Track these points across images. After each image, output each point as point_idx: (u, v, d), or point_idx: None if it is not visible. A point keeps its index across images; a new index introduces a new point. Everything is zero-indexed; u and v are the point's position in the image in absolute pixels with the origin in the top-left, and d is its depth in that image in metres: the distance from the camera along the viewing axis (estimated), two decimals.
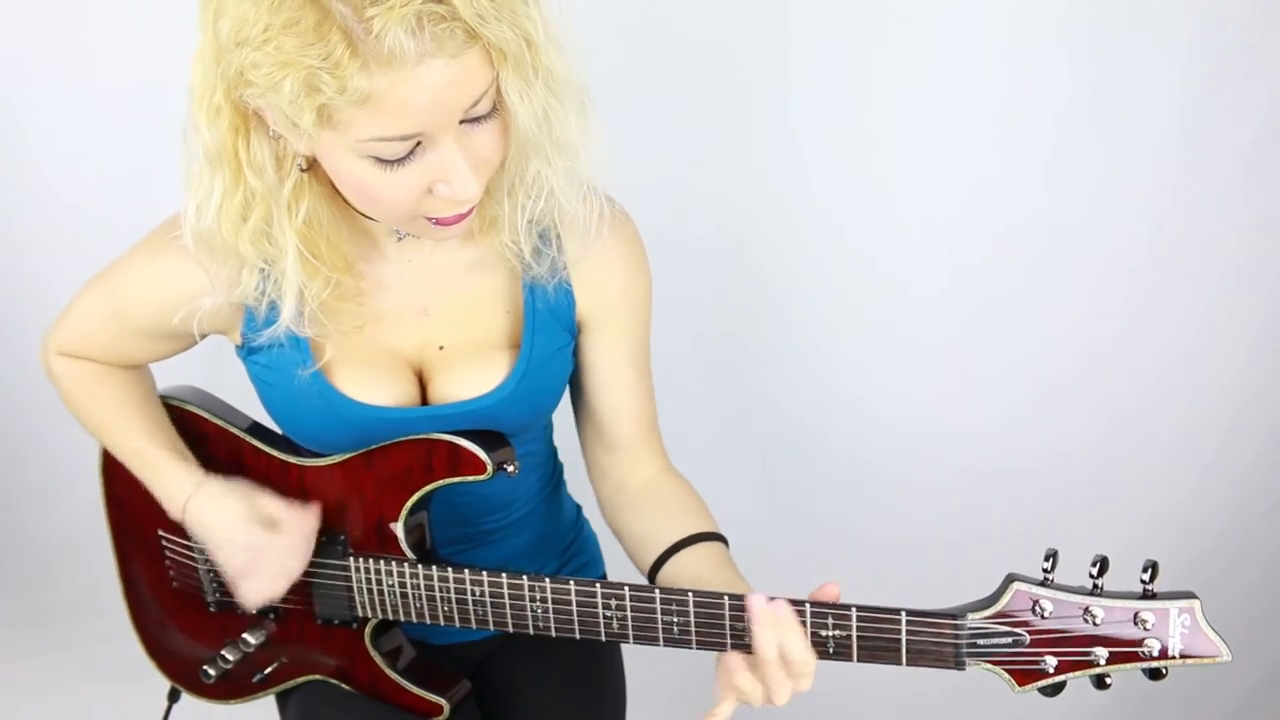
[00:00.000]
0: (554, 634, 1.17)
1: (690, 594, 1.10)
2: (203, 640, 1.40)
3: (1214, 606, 0.98)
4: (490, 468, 1.17)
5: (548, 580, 1.15)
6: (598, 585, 1.13)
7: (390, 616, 1.26)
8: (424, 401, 1.24)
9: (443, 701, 1.31)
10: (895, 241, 2.36)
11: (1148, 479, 2.36)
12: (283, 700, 1.43)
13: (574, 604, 1.15)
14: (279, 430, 1.31)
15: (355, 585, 1.26)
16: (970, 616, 1.01)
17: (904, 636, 1.03)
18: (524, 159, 1.07)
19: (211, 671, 1.36)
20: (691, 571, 1.22)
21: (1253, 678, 2.25)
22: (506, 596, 1.18)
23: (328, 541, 1.26)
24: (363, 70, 0.90)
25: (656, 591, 1.11)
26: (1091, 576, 0.98)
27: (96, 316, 1.29)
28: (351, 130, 0.94)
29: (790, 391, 2.52)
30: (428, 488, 1.20)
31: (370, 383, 1.21)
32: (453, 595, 1.20)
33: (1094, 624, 0.98)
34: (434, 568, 1.21)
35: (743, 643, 1.08)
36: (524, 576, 1.16)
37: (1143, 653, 0.98)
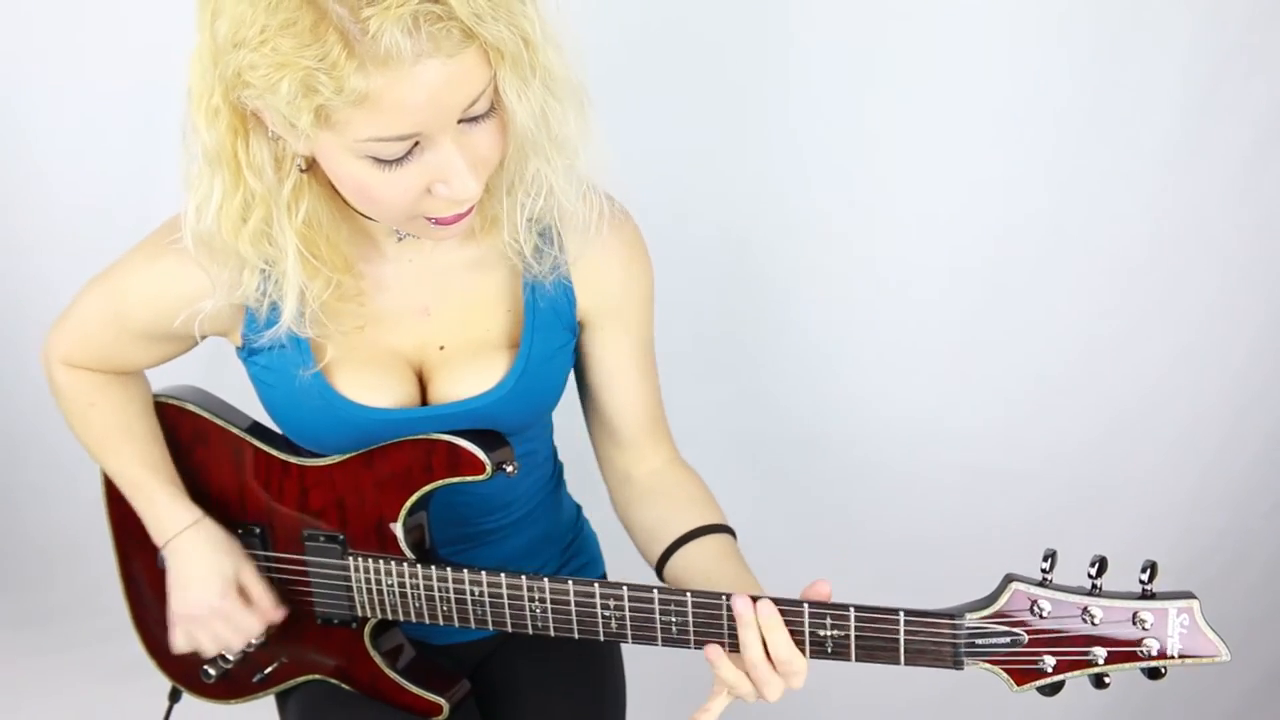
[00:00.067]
0: (553, 634, 1.18)
1: (689, 594, 1.10)
2: None
3: (1214, 606, 0.98)
4: (489, 467, 1.17)
5: (546, 580, 1.16)
6: (596, 585, 1.13)
7: (389, 616, 1.26)
8: (424, 401, 1.24)
9: (442, 701, 1.31)
10: (895, 241, 2.36)
11: (1147, 479, 2.36)
12: (283, 700, 1.44)
13: (572, 604, 1.15)
14: (279, 430, 1.32)
15: (355, 585, 1.26)
16: (968, 616, 1.01)
17: (902, 636, 1.03)
18: (523, 158, 1.07)
19: (212, 671, 1.36)
20: (699, 564, 1.23)
21: (1253, 678, 2.25)
22: (505, 596, 1.18)
23: (327, 541, 1.26)
24: (359, 70, 0.90)
25: (655, 591, 1.11)
26: (1090, 576, 0.98)
27: (97, 318, 1.28)
28: (349, 130, 0.95)
29: (790, 391, 2.52)
30: (427, 488, 1.20)
31: (370, 383, 1.21)
32: (452, 595, 1.21)
33: (1092, 624, 0.98)
34: (433, 568, 1.21)
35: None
36: (523, 576, 1.16)
37: (1141, 652, 0.98)
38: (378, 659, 1.31)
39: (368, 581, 1.25)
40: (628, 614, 1.13)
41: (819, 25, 2.23)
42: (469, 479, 1.19)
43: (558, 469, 1.50)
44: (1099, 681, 1.00)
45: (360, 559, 1.25)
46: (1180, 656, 0.97)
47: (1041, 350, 2.36)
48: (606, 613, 1.14)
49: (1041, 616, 0.99)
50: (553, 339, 1.23)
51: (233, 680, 1.39)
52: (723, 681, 1.09)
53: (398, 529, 1.22)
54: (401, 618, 1.26)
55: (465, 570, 1.19)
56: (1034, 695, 1.03)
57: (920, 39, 2.21)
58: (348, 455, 1.24)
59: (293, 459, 1.28)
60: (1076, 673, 1.00)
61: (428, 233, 1.08)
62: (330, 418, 1.21)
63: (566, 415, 1.41)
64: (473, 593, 1.19)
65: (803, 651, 1.07)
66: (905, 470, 2.47)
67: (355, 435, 1.22)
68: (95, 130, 2.51)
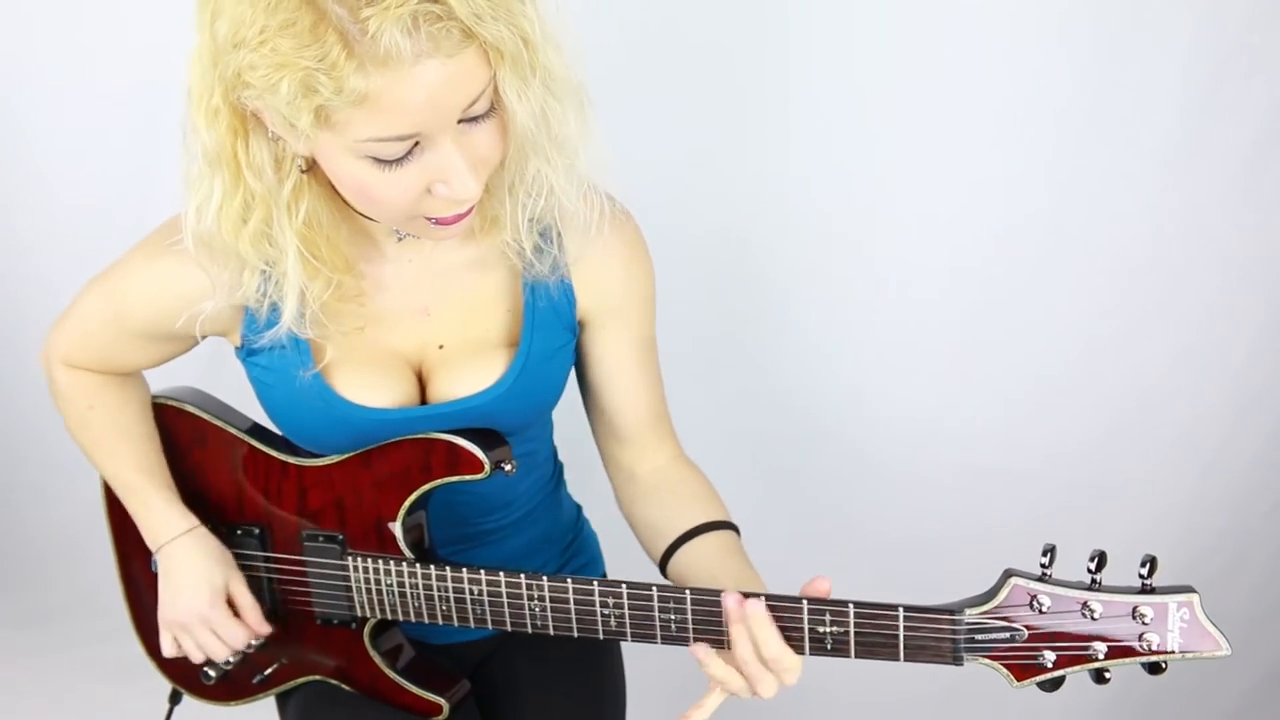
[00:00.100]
0: (552, 632, 1.18)
1: (687, 592, 1.10)
2: None
3: (1214, 606, 0.97)
4: (488, 466, 1.17)
5: (545, 579, 1.16)
6: (595, 584, 1.13)
7: (389, 616, 1.26)
8: (423, 401, 1.24)
9: (442, 701, 1.31)
10: (895, 241, 2.36)
11: (1147, 479, 2.36)
12: (283, 701, 1.44)
13: (571, 602, 1.15)
14: (278, 431, 1.32)
15: (354, 585, 1.26)
16: (968, 612, 1.01)
17: (901, 632, 1.03)
18: (523, 157, 1.07)
19: (212, 673, 1.36)
20: (702, 560, 1.23)
21: (1253, 678, 2.25)
22: (504, 595, 1.18)
23: (326, 541, 1.26)
24: (359, 71, 0.90)
25: (654, 589, 1.11)
26: (1090, 571, 0.98)
27: (97, 318, 1.29)
28: (349, 131, 0.95)
29: (790, 391, 2.52)
30: (425, 487, 1.20)
31: (369, 384, 1.21)
32: (451, 594, 1.21)
33: (1092, 618, 0.98)
34: (432, 567, 1.21)
35: None
36: (521, 575, 1.17)
37: (1141, 647, 0.98)
38: (377, 659, 1.31)
39: (367, 581, 1.25)
40: (626, 612, 1.13)
41: (819, 25, 2.23)
42: (467, 478, 1.19)
43: (558, 469, 1.50)
44: (1099, 677, 1.00)
45: (359, 559, 1.25)
46: (1180, 651, 0.97)
47: (1041, 350, 2.36)
48: (605, 611, 1.14)
49: (1041, 612, 0.99)
50: (552, 338, 1.23)
51: (233, 682, 1.39)
52: (714, 678, 1.09)
53: (396, 529, 1.22)
54: (401, 617, 1.26)
55: (464, 569, 1.19)
56: (1034, 691, 1.03)
57: (920, 39, 2.21)
58: (346, 455, 1.24)
59: (291, 459, 1.28)
60: (1076, 668, 1.00)
61: (428, 233, 1.08)
62: (329, 418, 1.21)
63: (567, 416, 1.41)
64: (472, 592, 1.19)
65: (802, 648, 1.07)
66: (905, 470, 2.47)
67: (354, 435, 1.22)
68: (95, 130, 2.51)
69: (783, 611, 1.06)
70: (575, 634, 1.17)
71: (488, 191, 1.12)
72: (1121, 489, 2.36)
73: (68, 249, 2.52)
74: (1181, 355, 2.31)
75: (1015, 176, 2.27)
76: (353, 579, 1.26)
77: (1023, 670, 1.02)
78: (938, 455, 2.44)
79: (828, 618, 1.05)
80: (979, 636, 1.02)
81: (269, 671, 1.37)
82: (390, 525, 1.23)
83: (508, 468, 1.19)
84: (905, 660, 1.05)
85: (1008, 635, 1.01)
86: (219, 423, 1.34)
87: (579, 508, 1.58)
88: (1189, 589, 0.96)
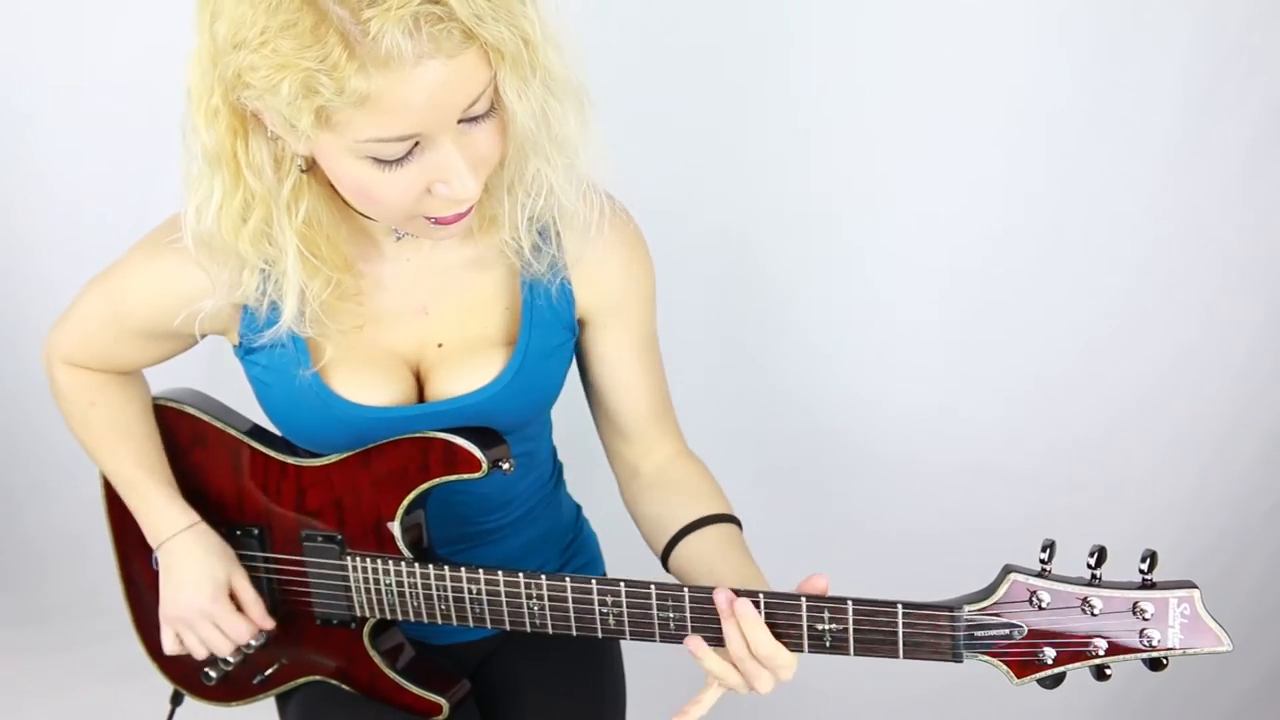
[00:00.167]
0: (551, 631, 1.18)
1: (686, 590, 1.10)
2: None
3: (1214, 606, 0.97)
4: (485, 465, 1.17)
5: (544, 578, 1.16)
6: (594, 582, 1.13)
7: (388, 616, 1.26)
8: (421, 399, 1.24)
9: (442, 701, 1.31)
10: (895, 241, 2.36)
11: (1147, 478, 2.36)
12: (283, 702, 1.44)
13: (570, 601, 1.15)
14: (277, 431, 1.32)
15: (353, 585, 1.26)
16: (967, 608, 1.01)
17: (900, 629, 1.03)
18: (523, 157, 1.07)
19: (212, 674, 1.36)
20: (702, 554, 1.23)
21: (1253, 677, 2.25)
22: (503, 594, 1.18)
23: (325, 541, 1.26)
24: (360, 72, 0.90)
25: (652, 587, 1.11)
26: (1089, 567, 0.98)
27: (97, 318, 1.29)
28: (350, 131, 0.95)
29: (790, 391, 2.52)
30: (424, 486, 1.20)
31: (368, 383, 1.21)
32: (450, 594, 1.21)
33: (1092, 614, 0.98)
34: (431, 566, 1.21)
35: None
36: (520, 575, 1.17)
37: (1142, 643, 0.97)
38: (377, 659, 1.31)
39: (366, 581, 1.25)
40: (625, 610, 1.13)
41: (819, 25, 2.23)
42: (465, 477, 1.18)
43: (557, 469, 1.50)
44: (1100, 673, 1.00)
45: (358, 559, 1.25)
46: (1181, 646, 0.97)
47: (1041, 350, 2.36)
48: (604, 609, 1.14)
49: (1041, 608, 0.99)
50: (551, 337, 1.23)
51: (233, 682, 1.39)
52: (710, 673, 1.09)
53: (395, 528, 1.22)
54: (400, 617, 1.25)
55: (463, 569, 1.19)
56: (1034, 688, 1.03)
57: (920, 39, 2.21)
58: (345, 455, 1.24)
59: (290, 459, 1.28)
60: (1077, 664, 1.00)
61: (427, 232, 1.08)
62: (327, 417, 1.21)
63: (567, 415, 1.41)
64: (470, 591, 1.19)
65: (801, 646, 1.07)
66: (905, 468, 2.47)
67: (352, 434, 1.22)
68: (95, 130, 2.51)
69: (781, 609, 1.06)
70: (574, 633, 1.17)
71: (487, 191, 1.12)
72: (1121, 488, 2.36)
73: (68, 249, 2.53)
74: (1181, 355, 2.31)
75: (1015, 176, 2.27)
76: (352, 579, 1.26)
77: (1023, 667, 1.01)
78: (938, 455, 2.44)
79: (826, 615, 1.05)
80: (978, 633, 1.01)
81: (269, 672, 1.37)
82: (389, 525, 1.22)
83: (506, 466, 1.19)
84: (904, 658, 1.05)
85: (1007, 632, 1.01)
86: (218, 424, 1.34)
87: (578, 508, 1.58)
88: (1190, 584, 0.96)
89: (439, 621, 1.23)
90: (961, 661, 1.03)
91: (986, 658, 1.02)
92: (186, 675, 1.43)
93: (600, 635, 1.15)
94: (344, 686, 1.34)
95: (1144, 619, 0.97)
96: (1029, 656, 1.01)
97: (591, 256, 1.22)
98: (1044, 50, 2.19)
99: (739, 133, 2.32)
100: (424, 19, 0.89)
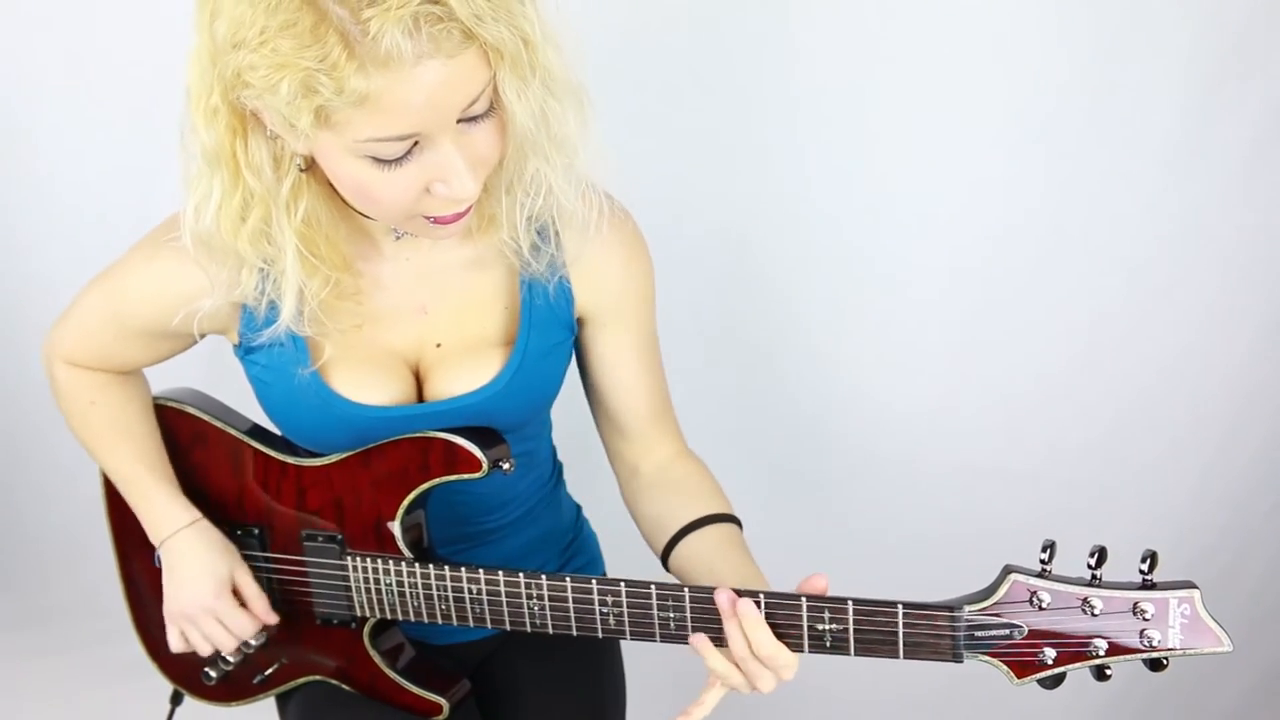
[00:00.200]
0: (551, 631, 1.18)
1: (686, 589, 1.10)
2: None
3: (1214, 606, 0.97)
4: (486, 465, 1.17)
5: (544, 577, 1.16)
6: (594, 582, 1.14)
7: (388, 616, 1.26)
8: (420, 399, 1.24)
9: (442, 701, 1.31)
10: (895, 241, 2.36)
11: (1148, 478, 2.35)
12: (283, 702, 1.44)
13: (570, 601, 1.15)
14: (277, 431, 1.32)
15: (353, 585, 1.26)
16: (967, 609, 1.01)
17: (901, 629, 1.03)
18: (522, 157, 1.08)
19: (212, 673, 1.36)
20: (702, 553, 1.23)
21: (1253, 677, 2.25)
22: (503, 594, 1.18)
23: (325, 541, 1.26)
24: (360, 71, 0.90)
25: (652, 587, 1.11)
26: (1090, 567, 0.98)
27: (97, 318, 1.29)
28: (349, 131, 0.95)
29: (790, 391, 2.52)
30: (424, 486, 1.21)
31: (367, 382, 1.21)
32: (450, 593, 1.21)
33: (1093, 615, 0.98)
34: (431, 566, 1.21)
35: None
36: (520, 574, 1.17)
37: (1142, 643, 0.97)
38: (377, 659, 1.31)
39: (366, 581, 1.25)
40: (625, 610, 1.13)
41: (819, 25, 2.23)
42: (466, 477, 1.19)
43: (557, 469, 1.50)
44: (1100, 673, 1.00)
45: (358, 558, 1.25)
46: (1182, 647, 0.97)
47: (1041, 350, 2.36)
48: (604, 609, 1.14)
49: (1041, 608, 0.99)
50: (549, 335, 1.23)
51: (233, 682, 1.39)
52: (713, 672, 1.09)
53: (395, 528, 1.22)
54: (400, 617, 1.26)
55: (463, 569, 1.19)
56: (1035, 689, 1.03)
57: (920, 38, 2.21)
58: (345, 455, 1.24)
59: (290, 459, 1.28)
60: (1077, 664, 1.00)
61: (426, 232, 1.09)
62: (327, 416, 1.21)
63: (567, 416, 1.41)
64: (470, 591, 1.19)
65: (801, 646, 1.07)
66: (905, 469, 2.47)
67: (352, 434, 1.22)
68: (95, 130, 2.51)
69: (781, 609, 1.06)
70: (574, 633, 1.17)
71: (486, 191, 1.12)
72: (1121, 489, 2.36)
73: (68, 249, 2.53)
74: (1181, 355, 2.31)
75: (1015, 176, 2.27)
76: (352, 579, 1.26)
77: (1023, 667, 1.01)
78: (938, 454, 2.44)
79: (827, 615, 1.05)
80: (979, 633, 1.02)
81: (269, 672, 1.37)
82: (389, 525, 1.23)
83: (506, 466, 1.19)
84: (905, 658, 1.05)
85: (1007, 632, 1.01)
86: (219, 423, 1.34)
87: (579, 508, 1.58)
88: (1190, 584, 0.96)
89: (439, 621, 1.23)
90: (962, 661, 1.03)
91: (987, 658, 1.02)
92: (187, 675, 1.43)
93: (600, 635, 1.16)
94: (344, 686, 1.34)
95: (1144, 619, 0.97)
96: (1029, 657, 1.01)
97: (590, 256, 1.23)
98: (1044, 50, 2.18)
99: (739, 133, 2.32)
100: (424, 19, 0.89)
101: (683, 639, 1.12)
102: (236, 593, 1.30)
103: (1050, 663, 1.00)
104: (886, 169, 2.32)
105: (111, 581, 1.46)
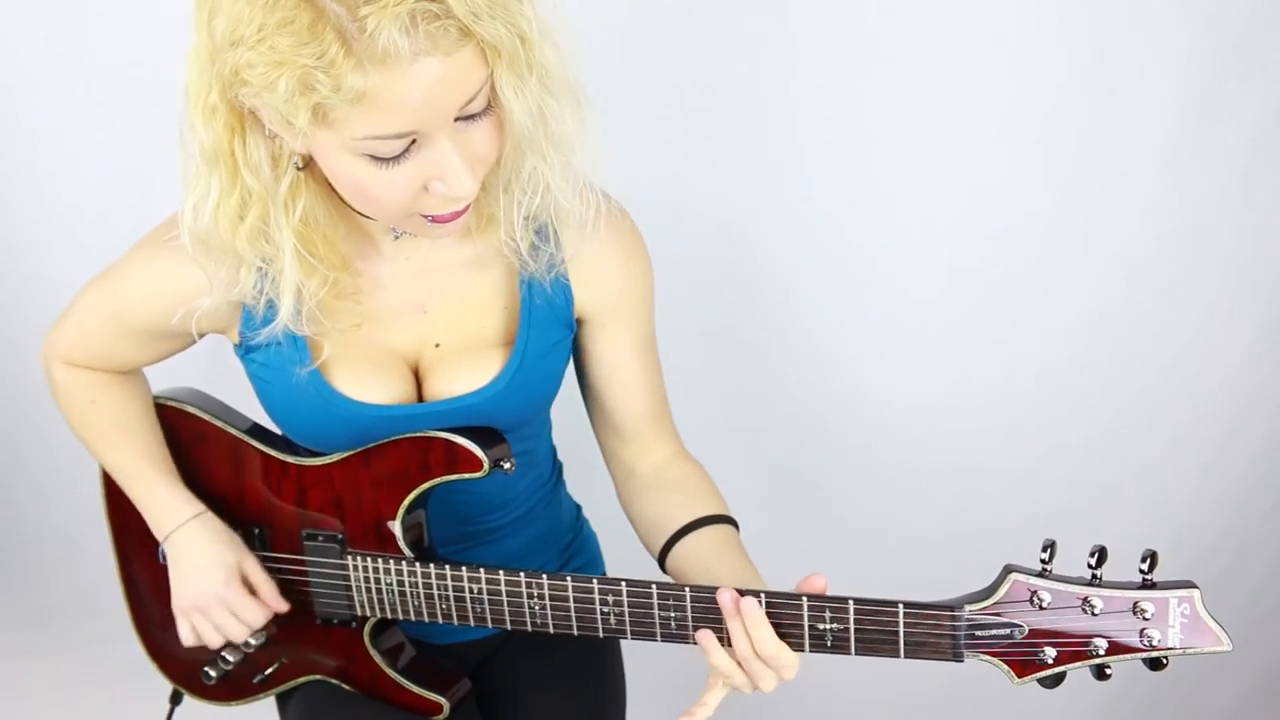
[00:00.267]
0: (552, 630, 1.18)
1: (687, 589, 1.10)
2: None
3: (1214, 606, 0.97)
4: (486, 465, 1.17)
5: (545, 577, 1.16)
6: (595, 581, 1.14)
7: (389, 615, 1.26)
8: (420, 398, 1.24)
9: (442, 700, 1.31)
10: (895, 241, 2.36)
11: (1148, 478, 2.36)
12: (283, 701, 1.44)
13: (571, 600, 1.15)
14: (277, 430, 1.32)
15: (354, 584, 1.26)
16: (968, 608, 1.01)
17: (901, 629, 1.03)
18: (520, 155, 1.08)
19: (212, 673, 1.36)
20: (699, 554, 1.23)
21: (1253, 677, 2.25)
22: (504, 594, 1.18)
23: (326, 541, 1.26)
24: (357, 69, 0.90)
25: (653, 587, 1.11)
26: (1090, 567, 0.98)
27: (96, 318, 1.29)
28: (346, 128, 0.95)
29: (790, 391, 2.52)
30: (424, 485, 1.20)
31: (367, 381, 1.21)
32: (450, 593, 1.21)
33: (1093, 614, 0.98)
34: (431, 566, 1.21)
35: None
36: (521, 573, 1.17)
37: (1142, 642, 0.98)
38: (378, 658, 1.31)
39: (367, 580, 1.25)
40: (626, 610, 1.13)
41: (819, 24, 2.23)
42: (466, 476, 1.19)
43: (557, 468, 1.50)
44: (1100, 673, 1.00)
45: (359, 558, 1.25)
46: (1182, 646, 0.97)
47: (1041, 350, 2.36)
48: (605, 609, 1.14)
49: (1041, 607, 0.99)
50: (549, 335, 1.23)
51: (233, 682, 1.39)
52: (716, 670, 1.09)
53: (396, 527, 1.22)
54: (401, 616, 1.26)
55: (464, 568, 1.19)
56: (1035, 688, 1.03)
57: (920, 38, 2.21)
58: (345, 454, 1.24)
59: (290, 459, 1.28)
60: (1077, 664, 1.00)
61: (424, 231, 1.09)
62: (327, 415, 1.21)
63: (566, 415, 1.41)
64: (471, 590, 1.19)
65: (802, 645, 1.07)
66: (905, 469, 2.47)
67: (352, 432, 1.22)
68: (95, 130, 2.51)
69: (782, 608, 1.06)
70: (575, 632, 1.17)
71: (484, 190, 1.12)
72: (1121, 489, 2.36)
73: (68, 249, 2.53)
74: (1181, 355, 2.31)
75: (1015, 176, 2.27)
76: (352, 578, 1.26)
77: (1023, 667, 1.02)
78: (938, 454, 2.44)
79: (827, 614, 1.05)
80: (979, 633, 1.02)
81: (269, 671, 1.37)
82: (389, 524, 1.23)
83: (506, 466, 1.19)
84: (905, 657, 1.05)
85: (1008, 631, 1.01)
86: (219, 423, 1.34)
87: (579, 507, 1.58)
88: (1190, 584, 0.96)
89: (440, 621, 1.23)
90: (962, 661, 1.03)
91: (987, 657, 1.02)
92: (187, 674, 1.43)
93: (601, 635, 1.15)
94: (344, 686, 1.34)
95: (1144, 619, 0.97)
96: (1030, 656, 1.01)
97: (588, 254, 1.23)
98: (1044, 50, 2.18)
99: (739, 133, 2.32)
100: (421, 16, 0.89)
101: (684, 638, 1.12)
102: (245, 582, 1.30)
103: (1050, 662, 1.00)
104: (886, 169, 2.32)
105: (111, 581, 1.46)
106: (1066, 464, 2.39)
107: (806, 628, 1.06)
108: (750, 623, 1.05)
